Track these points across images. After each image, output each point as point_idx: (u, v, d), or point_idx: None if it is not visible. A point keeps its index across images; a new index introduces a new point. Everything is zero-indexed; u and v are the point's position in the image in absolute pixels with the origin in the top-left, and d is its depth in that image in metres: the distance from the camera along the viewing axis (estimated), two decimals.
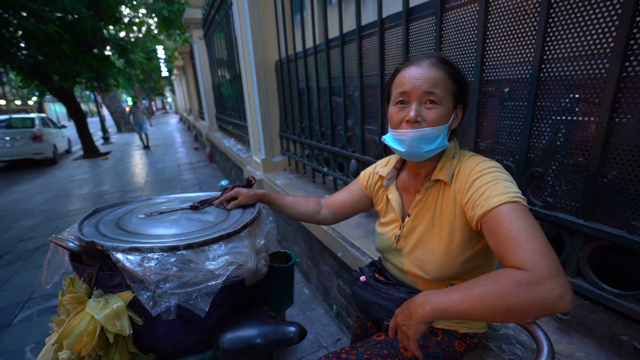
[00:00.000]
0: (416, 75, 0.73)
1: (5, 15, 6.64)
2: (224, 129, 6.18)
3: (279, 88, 2.88)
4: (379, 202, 1.00)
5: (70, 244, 0.81)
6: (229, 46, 4.32)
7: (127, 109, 10.03)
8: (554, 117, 0.92)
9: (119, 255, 0.75)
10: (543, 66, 0.90)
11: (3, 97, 26.84)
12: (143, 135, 10.46)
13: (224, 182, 5.57)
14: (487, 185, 0.67)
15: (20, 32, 7.06)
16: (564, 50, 0.85)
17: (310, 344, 1.93)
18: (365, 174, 1.05)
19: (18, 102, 28.33)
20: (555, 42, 0.87)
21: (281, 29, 2.52)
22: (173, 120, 26.15)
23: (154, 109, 43.27)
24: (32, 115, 9.47)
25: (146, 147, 10.46)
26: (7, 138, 8.43)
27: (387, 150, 1.62)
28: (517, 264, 0.56)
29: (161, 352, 0.85)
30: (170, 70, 25.63)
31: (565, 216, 0.91)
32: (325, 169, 2.28)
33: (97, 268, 0.80)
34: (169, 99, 49.71)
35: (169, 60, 23.72)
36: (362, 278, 0.93)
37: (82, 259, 0.87)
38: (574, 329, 0.96)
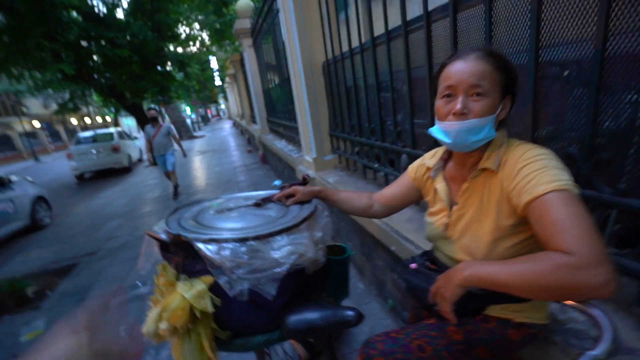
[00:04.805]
0: (462, 69, 0.75)
1: (89, 46, 7.68)
2: (275, 131, 6.46)
3: (327, 88, 2.96)
4: (427, 192, 1.03)
5: (163, 236, 0.96)
6: (277, 52, 4.52)
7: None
8: (623, 99, 0.86)
9: (200, 245, 0.88)
10: (607, 43, 0.85)
11: (88, 115, 30.89)
12: (172, 171, 5.89)
13: (277, 182, 5.83)
14: (535, 173, 0.67)
15: (100, 59, 8.12)
16: (631, 21, 0.80)
17: (366, 337, 1.97)
18: (413, 166, 1.09)
19: (99, 119, 32.39)
20: (620, 13, 0.81)
21: (327, 30, 2.60)
22: (227, 125, 27.83)
23: (209, 116, 46.18)
24: (111, 129, 10.78)
25: (175, 194, 5.95)
26: (94, 151, 9.72)
27: (438, 143, 1.60)
28: (563, 248, 0.58)
29: (236, 330, 0.97)
30: (222, 79, 27.30)
31: None
32: (375, 165, 2.31)
33: (182, 256, 0.94)
34: (222, 106, 52.91)
35: (221, 70, 25.26)
36: (413, 265, 0.96)
37: (170, 249, 1.02)
38: None
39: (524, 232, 0.76)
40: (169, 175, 5.97)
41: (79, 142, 10.01)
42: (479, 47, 0.79)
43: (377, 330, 2.03)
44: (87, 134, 10.53)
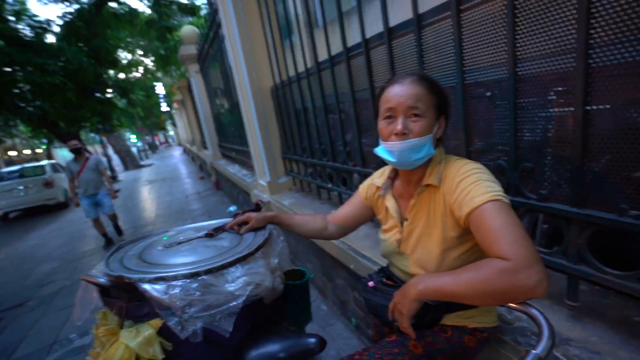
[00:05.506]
0: (400, 92, 0.81)
1: (15, 72, 7.01)
2: (228, 156, 6.31)
3: (276, 112, 2.99)
4: (379, 211, 1.06)
5: (100, 280, 0.87)
6: (225, 77, 4.49)
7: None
8: (536, 115, 0.98)
9: (146, 286, 0.81)
10: (517, 67, 0.97)
11: (14, 148, 27.73)
12: (101, 217, 4.85)
13: (232, 208, 5.65)
14: (471, 186, 0.74)
15: (28, 87, 7.43)
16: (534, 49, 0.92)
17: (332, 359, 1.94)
18: (363, 186, 1.12)
19: (27, 152, 29.21)
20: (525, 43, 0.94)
21: (273, 56, 2.65)
22: (177, 152, 26.68)
23: (157, 143, 43.87)
24: (42, 162, 9.78)
25: (119, 233, 5.16)
26: (21, 187, 8.69)
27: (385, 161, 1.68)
28: (500, 254, 0.63)
29: None
30: (170, 105, 26.32)
31: (560, 206, 0.95)
32: (329, 185, 2.34)
33: (126, 300, 0.86)
34: (171, 132, 50.75)
35: (168, 96, 24.41)
36: (370, 283, 0.98)
37: (112, 293, 0.93)
38: (586, 314, 0.99)
39: (469, 241, 0.82)
40: (98, 222, 4.80)
41: (1, 178, 8.91)
42: (413, 72, 0.86)
43: (343, 352, 2.01)
44: (12, 168, 9.46)
